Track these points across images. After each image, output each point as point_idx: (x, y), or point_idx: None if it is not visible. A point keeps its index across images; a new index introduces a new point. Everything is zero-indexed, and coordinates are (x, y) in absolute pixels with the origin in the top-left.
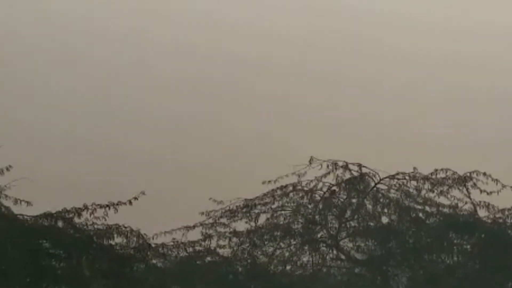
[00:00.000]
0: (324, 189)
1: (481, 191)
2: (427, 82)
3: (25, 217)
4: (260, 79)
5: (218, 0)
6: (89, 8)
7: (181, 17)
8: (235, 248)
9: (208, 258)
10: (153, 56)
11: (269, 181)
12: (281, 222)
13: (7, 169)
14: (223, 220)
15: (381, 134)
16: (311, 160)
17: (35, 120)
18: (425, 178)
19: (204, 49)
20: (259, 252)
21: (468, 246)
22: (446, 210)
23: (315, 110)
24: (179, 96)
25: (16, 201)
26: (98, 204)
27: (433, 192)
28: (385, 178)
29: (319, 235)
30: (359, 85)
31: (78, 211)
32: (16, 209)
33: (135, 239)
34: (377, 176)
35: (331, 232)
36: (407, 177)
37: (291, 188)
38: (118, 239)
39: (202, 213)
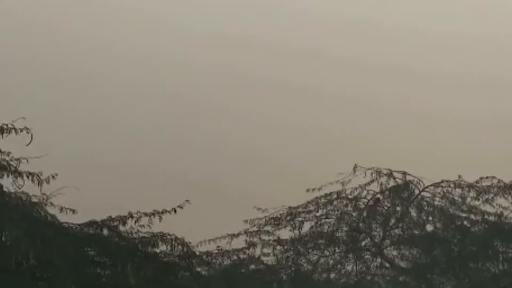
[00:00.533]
0: (368, 197)
1: None
2: (470, 96)
3: (71, 225)
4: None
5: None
6: None
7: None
8: (279, 256)
9: (252, 266)
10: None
11: (313, 189)
12: (325, 230)
13: (53, 177)
14: (267, 228)
15: (426, 143)
16: (355, 168)
17: (81, 130)
18: (470, 186)
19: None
20: (303, 260)
21: None
22: (491, 218)
23: (360, 122)
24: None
25: (61, 209)
26: (143, 212)
27: (478, 200)
28: (429, 186)
29: (363, 243)
30: (406, 100)
31: (123, 219)
32: (62, 217)
33: (179, 247)
34: (421, 184)
35: (376, 240)
36: (451, 185)
37: (335, 196)
38: (162, 247)
39: (246, 221)
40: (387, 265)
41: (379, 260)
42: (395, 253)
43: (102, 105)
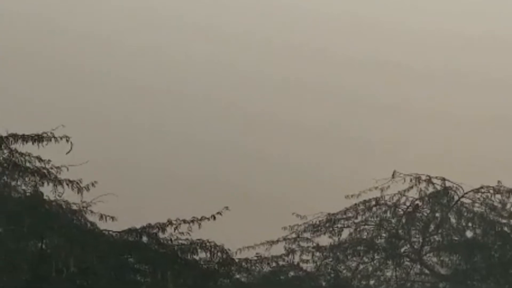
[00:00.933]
0: (408, 203)
1: None
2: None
3: (111, 232)
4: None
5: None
6: None
7: None
8: (318, 263)
9: (292, 273)
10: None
11: (352, 196)
12: (364, 237)
13: (93, 185)
14: (306, 234)
15: (465, 148)
16: (394, 174)
17: (120, 139)
18: (510, 192)
19: None
20: (342, 267)
21: None
22: None
23: (398, 128)
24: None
25: (101, 216)
26: (182, 219)
27: None
28: (469, 192)
29: (402, 250)
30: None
31: (162, 227)
32: (102, 225)
33: (219, 254)
34: (460, 189)
35: (415, 247)
36: (491, 191)
37: (374, 202)
38: (202, 254)
39: (285, 228)
40: (427, 271)
41: (418, 266)
42: (434, 259)
43: (141, 112)
